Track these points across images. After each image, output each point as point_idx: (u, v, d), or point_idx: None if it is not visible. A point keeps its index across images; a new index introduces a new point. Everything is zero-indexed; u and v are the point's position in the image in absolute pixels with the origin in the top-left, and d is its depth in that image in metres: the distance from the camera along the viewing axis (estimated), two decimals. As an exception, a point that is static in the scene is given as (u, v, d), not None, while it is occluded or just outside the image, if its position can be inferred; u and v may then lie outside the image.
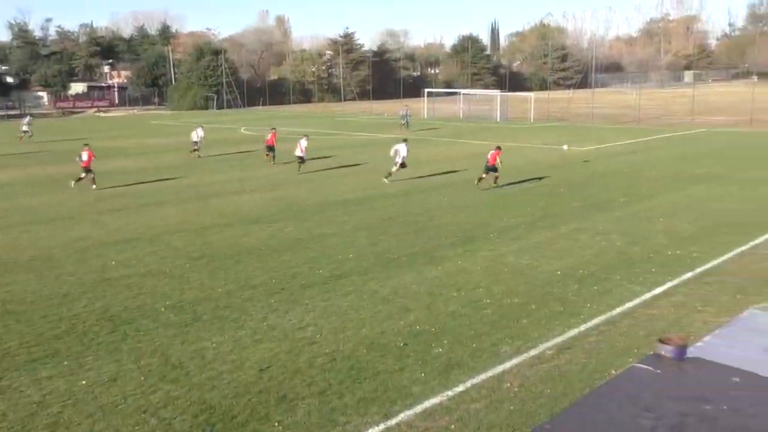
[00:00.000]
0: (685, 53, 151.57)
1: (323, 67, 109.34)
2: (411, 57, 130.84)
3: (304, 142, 29.02)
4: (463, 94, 69.48)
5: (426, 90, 70.57)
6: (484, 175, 24.32)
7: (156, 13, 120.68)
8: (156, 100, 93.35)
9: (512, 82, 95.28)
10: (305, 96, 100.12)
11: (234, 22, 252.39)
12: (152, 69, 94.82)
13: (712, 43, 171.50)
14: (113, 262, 14.93)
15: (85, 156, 24.90)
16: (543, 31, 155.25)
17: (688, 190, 23.43)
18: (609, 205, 20.85)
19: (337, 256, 15.25)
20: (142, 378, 9.18)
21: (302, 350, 10.03)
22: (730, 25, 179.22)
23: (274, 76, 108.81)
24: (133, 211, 20.78)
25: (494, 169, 24.23)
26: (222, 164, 32.09)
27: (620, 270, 13.89)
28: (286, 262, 14.76)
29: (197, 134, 34.70)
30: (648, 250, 15.47)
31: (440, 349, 9.98)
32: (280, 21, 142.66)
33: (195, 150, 34.55)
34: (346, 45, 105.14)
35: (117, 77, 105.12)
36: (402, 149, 25.95)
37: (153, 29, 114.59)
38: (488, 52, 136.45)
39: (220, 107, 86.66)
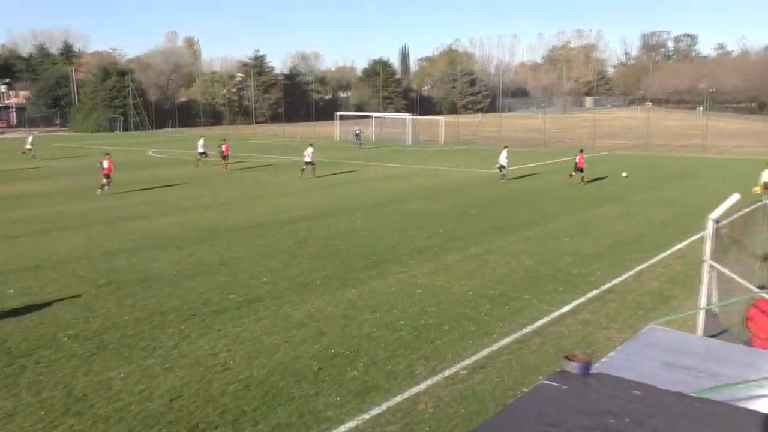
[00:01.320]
0: (585, 80, 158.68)
1: (234, 90, 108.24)
2: (322, 80, 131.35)
3: (310, 150, 35.26)
4: (375, 117, 70.20)
5: (338, 113, 70.85)
6: (573, 174, 31.66)
7: (57, 32, 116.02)
8: (58, 121, 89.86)
9: (423, 105, 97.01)
10: (216, 118, 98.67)
11: (141, 43, 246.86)
12: (53, 89, 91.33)
13: (610, 70, 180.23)
14: (11, 291, 14.19)
15: (105, 164, 28.61)
16: (451, 57, 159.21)
17: (592, 210, 24.40)
18: (518, 225, 21.45)
19: (250, 280, 15.04)
20: (43, 412, 8.74)
21: (215, 377, 9.81)
22: (625, 54, 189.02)
23: (183, 98, 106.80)
24: (33, 238, 19.85)
25: (581, 169, 31.23)
26: (130, 188, 31.15)
27: (530, 289, 14.29)
28: (198, 288, 14.43)
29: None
30: (555, 269, 15.99)
31: (355, 372, 9.97)
32: (189, 42, 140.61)
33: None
34: (257, 67, 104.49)
35: (15, 97, 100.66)
36: (504, 154, 32.88)
37: (54, 48, 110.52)
38: (399, 76, 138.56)
39: (126, 129, 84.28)
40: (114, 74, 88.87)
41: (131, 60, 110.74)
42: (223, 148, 38.73)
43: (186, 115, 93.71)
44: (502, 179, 32.58)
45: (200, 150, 40.38)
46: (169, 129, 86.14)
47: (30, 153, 45.45)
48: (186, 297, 13.76)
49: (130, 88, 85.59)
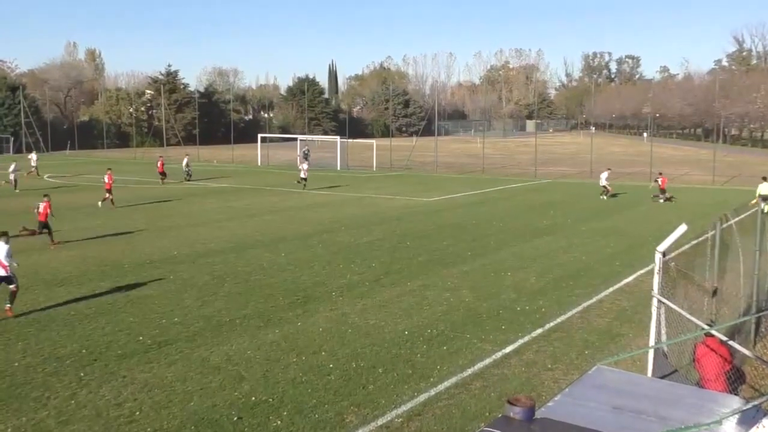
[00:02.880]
0: (525, 102, 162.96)
1: (143, 108, 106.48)
2: (242, 99, 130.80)
3: (305, 166, 43.62)
4: (301, 140, 70.07)
5: (260, 135, 70.50)
6: (658, 195, 37.91)
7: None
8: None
9: (353, 127, 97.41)
10: (122, 140, 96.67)
11: (35, 55, 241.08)
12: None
13: (552, 92, 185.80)
14: None
15: (106, 178, 33.43)
16: (383, 75, 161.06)
17: (534, 241, 24.91)
18: (456, 258, 21.70)
19: (161, 320, 14.72)
20: None
21: (118, 431, 9.53)
22: (567, 75, 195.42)
23: (84, 117, 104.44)
24: None
25: (664, 190, 37.87)
26: (22, 217, 30.10)
27: (470, 328, 14.44)
28: (100, 329, 14.04)
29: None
30: (497, 305, 16.22)
31: (279, 422, 9.85)
32: (91, 55, 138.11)
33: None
34: (168, 84, 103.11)
35: None
36: (604, 175, 40.23)
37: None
38: (327, 95, 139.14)
39: (18, 151, 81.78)
40: (3, 89, 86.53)
41: (24, 73, 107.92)
42: (159, 164, 46.18)
43: (87, 136, 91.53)
44: (605, 197, 39.14)
45: (185, 168, 48.33)
46: (67, 151, 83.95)
47: (34, 172, 50.65)
48: (86, 340, 13.36)
49: (22, 105, 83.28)
